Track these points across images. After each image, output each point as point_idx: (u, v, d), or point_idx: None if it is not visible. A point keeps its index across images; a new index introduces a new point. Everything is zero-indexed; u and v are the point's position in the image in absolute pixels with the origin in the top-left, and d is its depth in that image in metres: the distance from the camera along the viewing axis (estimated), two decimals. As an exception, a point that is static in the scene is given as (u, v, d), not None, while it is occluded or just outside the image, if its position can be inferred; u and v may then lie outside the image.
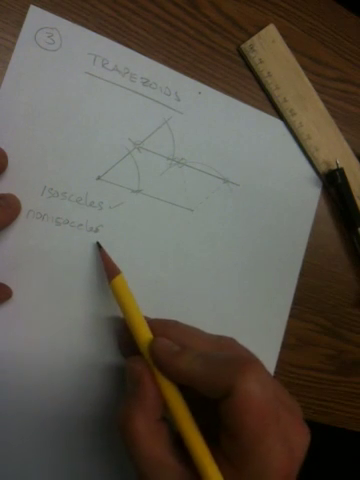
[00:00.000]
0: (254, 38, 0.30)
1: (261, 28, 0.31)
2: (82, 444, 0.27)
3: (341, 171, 0.31)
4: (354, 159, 0.32)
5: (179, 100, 0.29)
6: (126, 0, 0.28)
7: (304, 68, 0.31)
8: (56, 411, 0.26)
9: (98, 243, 0.26)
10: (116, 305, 0.24)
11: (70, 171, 0.27)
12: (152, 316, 0.25)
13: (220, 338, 0.24)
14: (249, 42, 0.30)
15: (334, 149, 0.32)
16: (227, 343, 0.23)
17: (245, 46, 0.30)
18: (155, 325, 0.23)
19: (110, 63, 0.27)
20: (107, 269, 0.25)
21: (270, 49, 0.30)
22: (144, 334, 0.23)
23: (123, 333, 0.25)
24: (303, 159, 0.32)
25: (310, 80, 0.31)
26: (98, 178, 0.27)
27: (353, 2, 0.33)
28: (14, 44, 0.26)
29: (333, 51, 0.33)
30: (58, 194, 0.26)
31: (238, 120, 0.30)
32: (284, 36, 0.31)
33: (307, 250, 0.32)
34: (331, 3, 0.33)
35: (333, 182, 0.31)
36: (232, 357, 0.21)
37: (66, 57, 0.27)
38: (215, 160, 0.30)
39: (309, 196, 0.32)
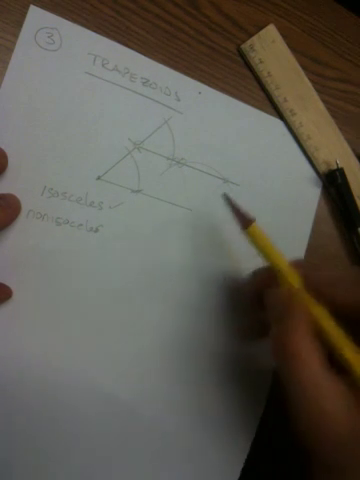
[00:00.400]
0: (254, 38, 0.30)
1: (261, 28, 0.31)
2: (82, 445, 0.27)
3: (341, 171, 0.31)
4: (354, 159, 0.32)
5: (179, 100, 0.29)
6: (126, 0, 0.28)
7: (304, 68, 0.31)
8: (56, 411, 0.26)
9: (225, 194, 0.26)
10: (117, 302, 0.24)
11: (70, 171, 0.27)
12: (152, 310, 0.25)
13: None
14: (249, 42, 0.30)
15: (334, 149, 0.32)
16: None
17: (245, 46, 0.30)
18: (296, 263, 0.24)
19: (110, 63, 0.27)
20: (240, 219, 0.25)
21: (270, 49, 0.30)
22: (291, 272, 0.23)
23: (258, 277, 0.26)
24: (303, 159, 0.32)
25: (310, 80, 0.31)
26: (98, 178, 0.27)
27: (353, 2, 0.33)
28: (14, 44, 0.26)
29: (333, 51, 0.33)
30: (58, 194, 0.26)
31: (238, 120, 0.30)
32: (284, 36, 0.31)
33: (307, 250, 0.32)
34: (331, 3, 0.33)
35: (333, 182, 0.31)
36: None
37: (66, 57, 0.27)
38: (215, 160, 0.30)
39: (309, 196, 0.32)
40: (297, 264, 0.24)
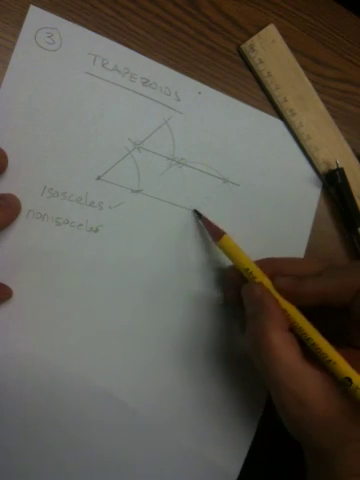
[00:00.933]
0: (254, 38, 0.30)
1: (261, 28, 0.31)
2: (82, 444, 0.27)
3: (341, 171, 0.31)
4: (354, 159, 0.32)
5: (179, 100, 0.29)
6: (126, 0, 0.28)
7: (304, 68, 0.31)
8: (55, 411, 0.26)
9: (196, 211, 0.28)
10: (117, 301, 0.24)
11: (70, 171, 0.27)
12: (152, 311, 0.25)
13: (317, 259, 0.28)
14: (249, 42, 0.30)
15: (334, 149, 0.32)
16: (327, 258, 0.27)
17: (245, 46, 0.30)
18: (263, 264, 0.25)
19: (110, 63, 0.27)
20: (212, 232, 0.27)
21: (270, 49, 0.30)
22: (261, 275, 0.25)
23: (231, 280, 0.28)
24: (303, 159, 0.32)
25: (310, 80, 0.31)
26: (98, 178, 0.27)
27: (353, 2, 0.33)
28: (14, 44, 0.26)
29: (333, 51, 0.33)
30: (58, 194, 0.26)
31: (238, 120, 0.30)
32: (284, 36, 0.31)
33: (307, 250, 0.32)
34: (331, 3, 0.33)
35: (333, 182, 0.31)
36: (351, 265, 0.25)
37: (66, 57, 0.27)
38: (215, 160, 0.30)
39: (309, 196, 0.32)
40: (266, 264, 0.26)
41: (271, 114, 0.31)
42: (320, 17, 0.32)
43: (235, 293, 0.26)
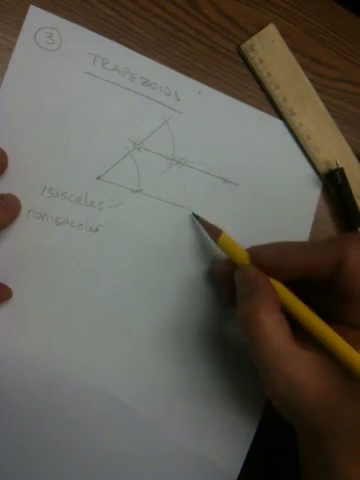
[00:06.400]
0: (254, 38, 0.30)
1: (261, 28, 0.31)
2: (82, 444, 0.27)
3: (341, 171, 0.31)
4: (354, 159, 0.32)
5: (179, 100, 0.29)
6: (126, 0, 0.28)
7: (304, 68, 0.31)
8: (56, 411, 0.26)
9: (194, 214, 0.28)
10: (117, 301, 0.24)
11: (70, 171, 0.27)
12: (152, 311, 0.25)
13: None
14: (249, 42, 0.30)
15: (334, 149, 0.32)
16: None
17: (245, 46, 0.30)
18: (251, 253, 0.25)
19: (110, 63, 0.27)
20: (210, 232, 0.27)
21: (270, 49, 0.30)
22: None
23: (222, 275, 0.28)
24: (303, 159, 0.32)
25: (310, 80, 0.31)
26: (98, 178, 0.27)
27: (353, 2, 0.33)
28: (14, 44, 0.26)
29: (333, 51, 0.33)
30: (58, 194, 0.26)
31: (238, 120, 0.30)
32: (284, 36, 0.31)
33: (307, 250, 0.32)
34: (331, 3, 0.33)
35: (333, 182, 0.31)
36: (333, 238, 0.25)
37: (66, 57, 0.27)
38: (215, 160, 0.30)
39: (309, 196, 0.32)
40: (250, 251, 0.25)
41: (271, 114, 0.31)
42: (320, 17, 0.32)
43: (228, 289, 0.26)
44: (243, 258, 0.25)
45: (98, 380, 0.27)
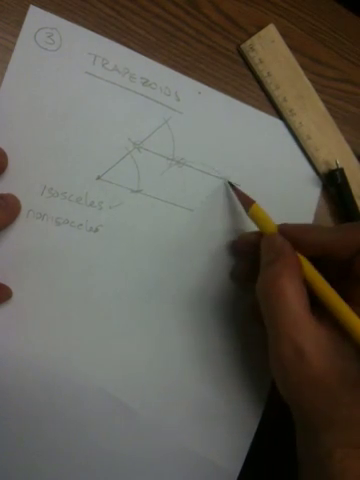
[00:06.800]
0: (254, 38, 0.30)
1: (261, 28, 0.31)
2: (83, 444, 0.27)
3: (341, 171, 0.31)
4: (354, 159, 0.32)
5: (179, 100, 0.29)
6: (126, 0, 0.28)
7: (304, 68, 0.31)
8: (56, 411, 0.26)
9: (229, 182, 0.29)
10: (117, 301, 0.24)
11: (70, 171, 0.27)
12: (152, 311, 0.25)
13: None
14: (249, 42, 0.30)
15: (334, 149, 0.32)
16: None
17: (245, 46, 0.30)
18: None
19: (110, 63, 0.27)
20: (242, 201, 0.28)
21: (270, 49, 0.30)
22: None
23: (241, 249, 0.29)
24: (303, 159, 0.32)
25: (310, 80, 0.31)
26: (98, 178, 0.27)
27: (353, 2, 0.33)
28: (14, 44, 0.26)
29: (333, 51, 0.33)
30: (58, 194, 0.26)
31: (238, 120, 0.30)
32: (284, 36, 0.31)
33: (307, 250, 0.32)
34: (331, 3, 0.33)
35: (333, 182, 0.31)
36: (357, 223, 0.26)
37: (66, 57, 0.27)
38: (215, 160, 0.30)
39: (309, 196, 0.32)
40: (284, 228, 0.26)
41: (271, 114, 0.31)
42: (320, 17, 0.32)
43: (246, 263, 0.27)
44: (272, 228, 0.25)
45: (98, 380, 0.27)
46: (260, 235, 0.26)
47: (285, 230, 0.25)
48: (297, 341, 0.21)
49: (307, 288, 0.23)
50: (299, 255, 0.24)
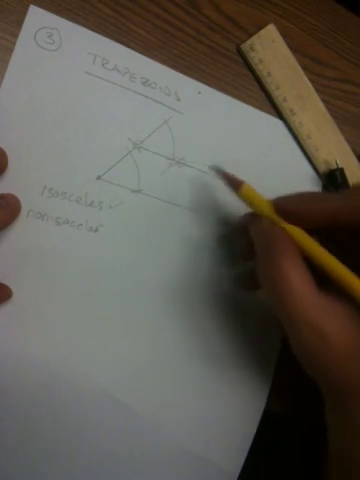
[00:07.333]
0: (254, 38, 0.30)
1: (261, 28, 0.31)
2: (83, 444, 0.27)
3: (341, 171, 0.31)
4: (354, 159, 0.32)
5: (179, 100, 0.29)
6: (126, 0, 0.28)
7: (304, 68, 0.31)
8: (56, 411, 0.26)
9: (214, 165, 0.27)
10: (117, 301, 0.24)
11: (70, 171, 0.27)
12: (152, 310, 0.25)
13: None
14: (249, 42, 0.30)
15: (334, 149, 0.32)
16: None
17: (245, 46, 0.30)
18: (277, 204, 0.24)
19: (110, 63, 0.27)
20: (231, 184, 0.25)
21: (270, 49, 0.30)
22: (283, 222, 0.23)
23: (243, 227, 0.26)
24: (303, 159, 0.32)
25: (310, 80, 0.31)
26: (98, 178, 0.27)
27: (353, 2, 0.33)
28: (14, 44, 0.26)
29: (333, 51, 0.33)
30: (58, 194, 0.26)
31: (238, 120, 0.30)
32: (284, 36, 0.31)
33: (307, 250, 0.32)
34: (331, 3, 0.33)
35: (333, 182, 0.31)
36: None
37: (66, 57, 0.27)
38: (215, 160, 0.30)
39: (309, 196, 0.32)
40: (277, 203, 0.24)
41: (271, 114, 0.31)
42: (320, 17, 0.33)
43: (246, 242, 0.25)
44: (264, 208, 0.24)
45: (98, 380, 0.27)
46: (255, 217, 0.25)
47: (282, 204, 0.23)
48: (314, 323, 0.20)
49: (307, 260, 0.22)
50: (294, 228, 0.22)
